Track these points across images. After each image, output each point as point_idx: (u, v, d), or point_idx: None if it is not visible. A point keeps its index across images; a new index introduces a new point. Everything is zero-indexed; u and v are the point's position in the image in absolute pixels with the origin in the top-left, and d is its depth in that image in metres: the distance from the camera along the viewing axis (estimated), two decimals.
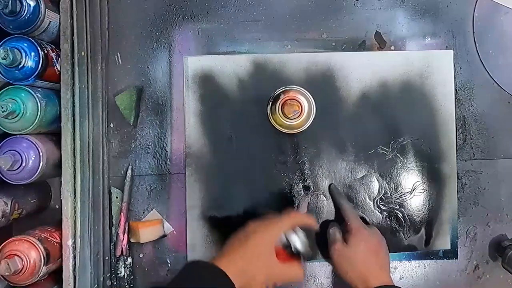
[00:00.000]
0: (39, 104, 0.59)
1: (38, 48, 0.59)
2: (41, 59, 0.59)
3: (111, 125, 0.70)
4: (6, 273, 0.55)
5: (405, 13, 0.71)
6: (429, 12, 0.71)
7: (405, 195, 0.70)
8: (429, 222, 0.70)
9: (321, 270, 0.70)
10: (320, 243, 0.68)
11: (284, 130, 0.68)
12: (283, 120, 0.67)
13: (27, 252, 0.57)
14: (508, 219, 0.71)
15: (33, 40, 0.59)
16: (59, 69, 0.62)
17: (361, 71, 0.70)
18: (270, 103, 0.68)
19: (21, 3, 0.58)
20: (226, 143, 0.69)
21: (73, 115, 0.62)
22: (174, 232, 0.70)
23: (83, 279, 0.62)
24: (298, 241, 0.57)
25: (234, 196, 0.69)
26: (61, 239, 0.61)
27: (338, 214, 0.69)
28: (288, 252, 0.57)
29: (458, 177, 0.71)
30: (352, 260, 0.61)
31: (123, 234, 0.68)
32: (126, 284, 0.68)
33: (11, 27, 0.59)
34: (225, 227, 0.68)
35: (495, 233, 0.71)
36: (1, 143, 0.59)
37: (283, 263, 0.56)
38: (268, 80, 0.69)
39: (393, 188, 0.70)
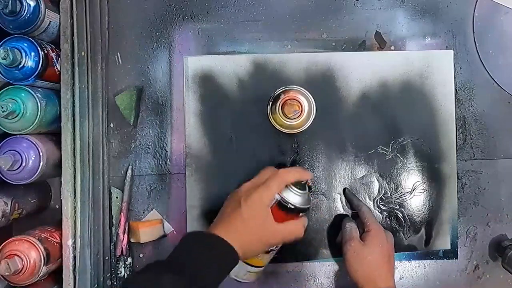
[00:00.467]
0: (39, 104, 0.59)
1: (38, 48, 0.59)
2: (41, 59, 0.59)
3: (111, 125, 0.70)
4: (6, 273, 0.55)
5: (405, 13, 0.71)
6: (429, 12, 0.71)
7: (405, 195, 0.70)
8: (429, 222, 0.70)
9: (321, 270, 0.70)
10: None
11: (284, 130, 0.68)
12: (283, 120, 0.67)
13: (27, 252, 0.58)
14: (508, 219, 0.71)
15: (33, 40, 0.59)
16: (59, 69, 0.62)
17: (361, 71, 0.70)
18: (270, 103, 0.68)
19: (21, 3, 0.58)
20: (226, 143, 0.69)
21: (73, 115, 0.62)
22: (174, 232, 0.70)
23: (83, 279, 0.62)
24: (293, 196, 0.57)
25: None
26: (61, 239, 0.61)
27: (353, 217, 0.69)
28: (285, 211, 0.57)
29: (458, 177, 0.71)
30: (366, 260, 0.61)
31: (123, 234, 0.68)
32: None
33: (11, 27, 0.59)
34: None
35: (495, 233, 0.71)
36: (1, 143, 0.59)
37: (281, 223, 0.56)
38: (268, 80, 0.69)
39: (393, 188, 0.70)
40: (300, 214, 0.59)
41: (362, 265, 0.61)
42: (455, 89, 0.71)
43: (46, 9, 0.59)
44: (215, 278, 0.51)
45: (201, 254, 0.51)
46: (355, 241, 0.62)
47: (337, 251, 0.69)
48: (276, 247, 0.61)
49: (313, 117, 0.68)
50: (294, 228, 0.57)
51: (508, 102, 0.72)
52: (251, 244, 0.54)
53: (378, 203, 0.70)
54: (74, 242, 0.61)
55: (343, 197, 0.70)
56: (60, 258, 0.61)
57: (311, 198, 0.60)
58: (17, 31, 0.59)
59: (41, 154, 0.59)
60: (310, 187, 0.62)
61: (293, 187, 0.58)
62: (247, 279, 0.61)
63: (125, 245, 0.68)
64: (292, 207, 0.57)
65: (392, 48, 0.71)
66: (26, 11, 0.58)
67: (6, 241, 0.58)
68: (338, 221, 0.69)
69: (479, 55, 0.71)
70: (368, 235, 0.63)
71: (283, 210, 0.57)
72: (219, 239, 0.52)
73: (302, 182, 0.59)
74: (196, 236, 0.54)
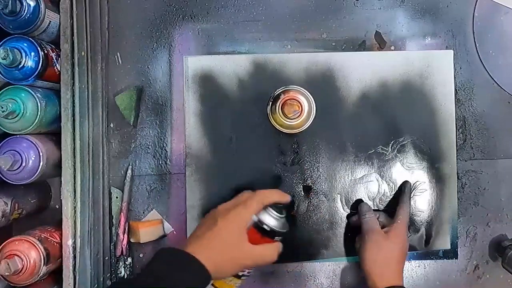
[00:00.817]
0: (39, 104, 0.59)
1: (38, 48, 0.59)
2: (41, 59, 0.59)
3: (111, 125, 0.70)
4: (6, 273, 0.55)
5: (405, 13, 0.71)
6: (429, 12, 0.71)
7: None
8: (429, 222, 0.70)
9: (321, 270, 0.70)
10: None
11: (284, 130, 0.68)
12: (283, 120, 0.67)
13: (27, 252, 0.58)
14: (508, 219, 0.71)
15: (33, 40, 0.59)
16: (59, 69, 0.62)
17: (361, 71, 0.70)
18: (270, 103, 0.68)
19: (21, 3, 0.58)
20: (226, 143, 0.69)
21: (73, 115, 0.62)
22: (174, 232, 0.70)
23: (83, 279, 0.62)
24: (270, 219, 0.56)
25: (234, 196, 0.69)
26: (61, 239, 0.61)
27: (391, 204, 0.69)
28: (260, 233, 0.56)
29: (458, 177, 0.71)
30: (386, 255, 0.61)
31: (123, 234, 0.68)
32: None
33: (11, 27, 0.59)
34: None
35: (495, 233, 0.71)
36: (1, 143, 0.59)
37: (255, 245, 0.55)
38: (268, 80, 0.69)
39: (393, 188, 0.70)
40: (276, 238, 0.58)
41: (380, 258, 0.61)
42: (455, 89, 0.71)
43: (46, 9, 0.59)
44: None
45: (172, 273, 0.50)
46: (379, 234, 0.62)
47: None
48: (248, 272, 0.58)
49: (313, 117, 0.68)
50: (268, 252, 0.56)
51: (508, 102, 0.72)
52: (223, 263, 0.53)
53: (378, 203, 0.70)
54: (74, 242, 0.61)
55: (343, 197, 0.70)
56: (60, 258, 0.61)
57: (288, 224, 0.59)
58: (17, 31, 0.59)
59: (41, 154, 0.59)
60: (289, 213, 0.59)
61: (271, 210, 0.57)
62: None
63: (125, 245, 0.68)
64: (268, 229, 0.56)
65: (392, 48, 0.71)
66: (26, 11, 0.58)
67: (6, 241, 0.58)
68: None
69: (479, 55, 0.71)
70: (393, 231, 0.62)
71: (258, 231, 0.56)
72: (191, 257, 0.51)
73: (280, 206, 0.58)
74: (167, 254, 0.52)
